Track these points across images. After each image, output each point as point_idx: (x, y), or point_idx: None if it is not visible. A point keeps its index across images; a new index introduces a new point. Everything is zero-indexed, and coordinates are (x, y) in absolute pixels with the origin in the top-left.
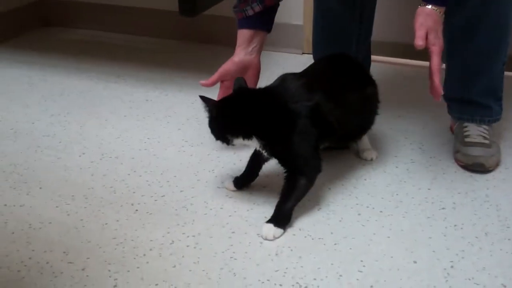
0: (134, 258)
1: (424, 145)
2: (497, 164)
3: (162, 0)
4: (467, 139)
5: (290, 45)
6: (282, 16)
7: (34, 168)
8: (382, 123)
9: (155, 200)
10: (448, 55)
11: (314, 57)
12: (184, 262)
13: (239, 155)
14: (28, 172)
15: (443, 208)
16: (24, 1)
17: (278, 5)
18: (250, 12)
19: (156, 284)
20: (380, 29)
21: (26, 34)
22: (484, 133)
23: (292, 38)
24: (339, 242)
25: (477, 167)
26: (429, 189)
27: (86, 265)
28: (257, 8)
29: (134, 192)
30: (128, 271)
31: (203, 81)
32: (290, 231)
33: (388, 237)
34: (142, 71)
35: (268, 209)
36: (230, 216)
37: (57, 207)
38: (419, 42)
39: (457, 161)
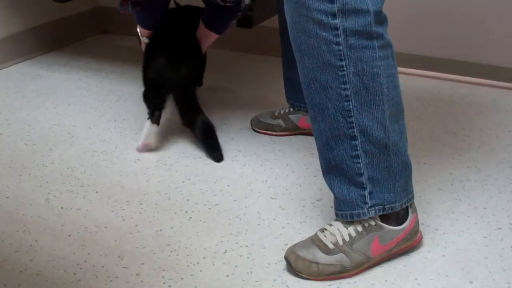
0: (188, 266)
1: (479, 163)
2: None
3: None
4: None
5: None
6: None
7: (91, 172)
8: (437, 141)
9: (209, 209)
10: None
11: None
12: (237, 271)
13: (292, 167)
14: (85, 176)
15: (499, 228)
16: (82, 8)
17: None
18: None
19: None
20: (438, 45)
21: (84, 40)
22: None
23: None
24: (393, 258)
25: None
26: (485, 208)
27: (141, 271)
28: None
29: (188, 200)
30: (182, 278)
31: None
32: None
33: (443, 255)
34: None
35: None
36: (283, 227)
37: (112, 211)
38: None
39: None
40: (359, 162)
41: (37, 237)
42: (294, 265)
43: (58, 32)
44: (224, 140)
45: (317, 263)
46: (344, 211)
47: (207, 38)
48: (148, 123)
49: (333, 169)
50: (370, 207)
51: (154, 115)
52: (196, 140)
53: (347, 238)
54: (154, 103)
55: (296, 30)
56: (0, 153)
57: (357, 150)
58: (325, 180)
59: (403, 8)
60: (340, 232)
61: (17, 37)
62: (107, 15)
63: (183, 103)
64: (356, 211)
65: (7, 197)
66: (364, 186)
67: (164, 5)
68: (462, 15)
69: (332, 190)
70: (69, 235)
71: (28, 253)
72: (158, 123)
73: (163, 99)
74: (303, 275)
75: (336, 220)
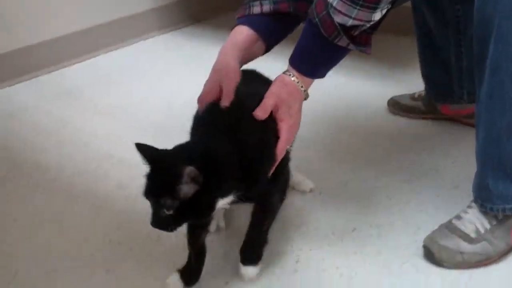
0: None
1: None
2: None
3: None
4: None
5: None
6: None
7: None
8: None
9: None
10: None
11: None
12: (365, 251)
13: (428, 152)
14: None
15: None
16: None
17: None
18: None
19: None
20: None
21: (225, 15)
22: None
23: None
24: None
25: None
26: None
27: None
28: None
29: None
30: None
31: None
32: None
33: None
34: None
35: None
36: (416, 212)
37: None
38: (258, 112)
39: None
40: None
41: None
42: (438, 256)
43: (201, 5)
44: (360, 118)
45: (461, 252)
46: (496, 205)
47: None
48: None
49: (493, 163)
50: None
51: None
52: None
53: (488, 226)
54: None
55: (493, 16)
56: (146, 114)
57: None
58: (479, 170)
59: None
60: (480, 220)
61: (165, 9)
62: None
63: None
64: (509, 206)
65: None
66: None
67: None
68: None
69: (486, 182)
70: None
71: None
72: None
73: None
74: (446, 265)
75: (470, 207)
